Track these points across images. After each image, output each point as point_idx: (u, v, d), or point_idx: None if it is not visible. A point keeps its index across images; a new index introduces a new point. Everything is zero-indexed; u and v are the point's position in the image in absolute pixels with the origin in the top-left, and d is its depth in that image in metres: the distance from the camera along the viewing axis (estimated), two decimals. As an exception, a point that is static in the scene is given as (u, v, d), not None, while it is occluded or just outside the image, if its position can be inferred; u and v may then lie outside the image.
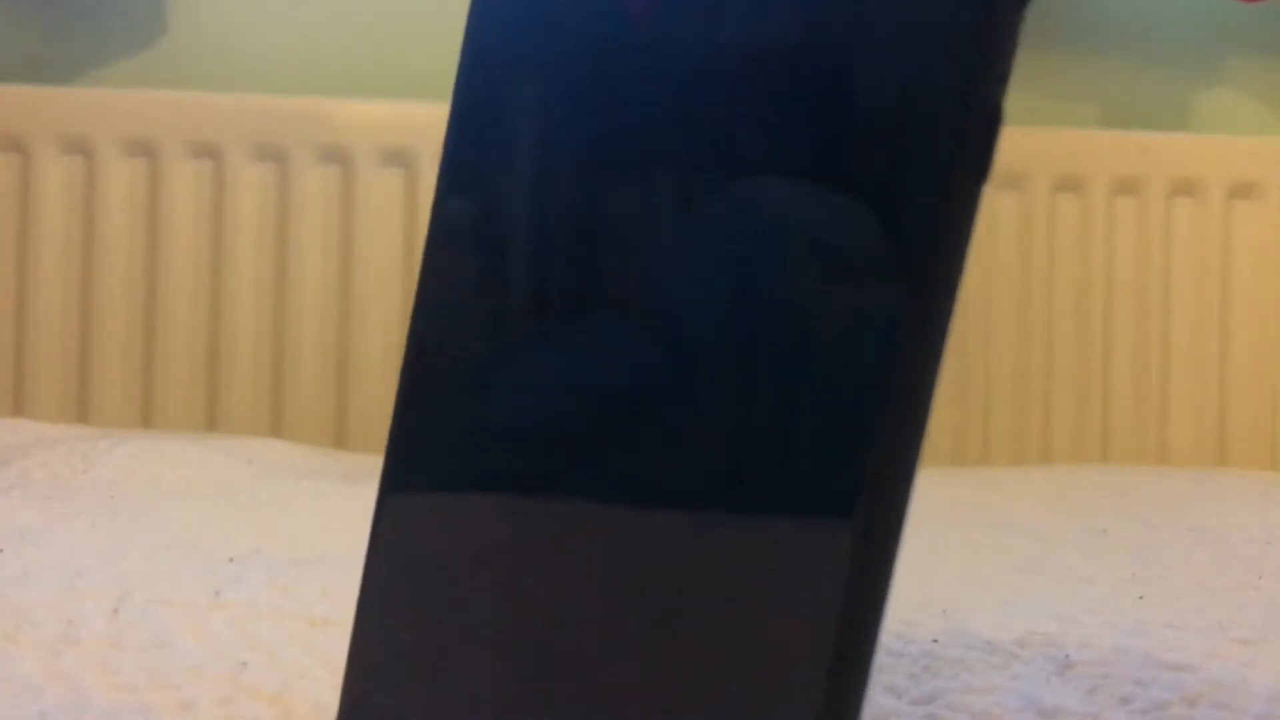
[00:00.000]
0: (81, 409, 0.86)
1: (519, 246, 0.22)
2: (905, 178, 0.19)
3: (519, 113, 0.22)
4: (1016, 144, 0.97)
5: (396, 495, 0.23)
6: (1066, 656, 0.37)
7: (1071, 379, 0.96)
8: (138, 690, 0.33)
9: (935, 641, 0.37)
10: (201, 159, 0.87)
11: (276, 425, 0.87)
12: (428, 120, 0.87)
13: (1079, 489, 0.77)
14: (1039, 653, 0.37)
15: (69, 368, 0.86)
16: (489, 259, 0.22)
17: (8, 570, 0.44)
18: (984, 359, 0.94)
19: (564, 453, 0.21)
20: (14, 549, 0.48)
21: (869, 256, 0.19)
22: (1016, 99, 0.87)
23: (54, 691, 0.32)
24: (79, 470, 0.65)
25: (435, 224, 0.23)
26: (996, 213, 0.95)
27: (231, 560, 0.47)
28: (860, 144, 0.19)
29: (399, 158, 0.89)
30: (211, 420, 0.87)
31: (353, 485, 0.68)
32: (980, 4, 0.18)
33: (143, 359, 0.87)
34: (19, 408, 0.86)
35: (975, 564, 0.52)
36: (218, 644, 0.37)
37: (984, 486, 0.79)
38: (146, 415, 0.87)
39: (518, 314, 0.22)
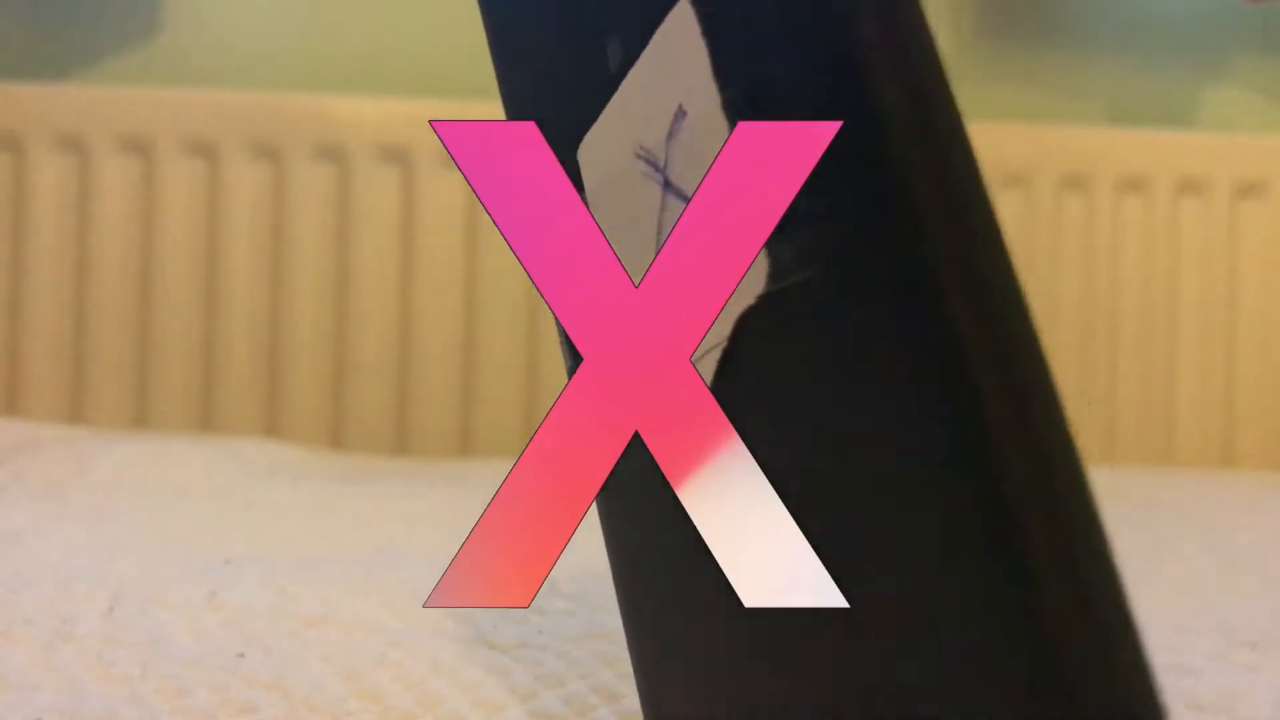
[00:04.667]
0: (76, 409, 0.86)
1: None
2: None
3: None
4: (1021, 142, 0.96)
5: None
6: (1073, 660, 0.36)
7: (1076, 379, 0.95)
8: (133, 682, 0.33)
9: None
10: (196, 157, 0.87)
11: (272, 425, 0.87)
12: (425, 117, 0.86)
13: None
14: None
15: (64, 367, 0.86)
16: None
17: (1, 570, 0.44)
18: (985, 359, 0.94)
19: None
20: (7, 550, 0.47)
21: None
22: (1022, 96, 0.86)
23: (50, 685, 0.32)
24: (73, 471, 0.65)
25: None
26: (1001, 211, 0.94)
27: (227, 562, 0.46)
28: None
29: (396, 155, 0.88)
30: (207, 420, 0.87)
31: (349, 486, 0.67)
32: None
33: (138, 358, 0.86)
34: (13, 408, 0.85)
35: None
36: (213, 640, 0.37)
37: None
38: (141, 415, 0.86)
39: None
